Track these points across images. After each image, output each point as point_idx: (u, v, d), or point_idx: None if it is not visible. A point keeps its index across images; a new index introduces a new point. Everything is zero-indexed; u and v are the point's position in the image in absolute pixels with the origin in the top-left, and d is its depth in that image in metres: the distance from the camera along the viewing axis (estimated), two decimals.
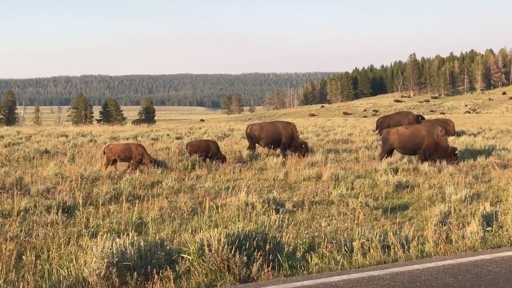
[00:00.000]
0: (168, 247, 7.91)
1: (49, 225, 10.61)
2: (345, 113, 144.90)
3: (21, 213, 11.52)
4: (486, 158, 20.64)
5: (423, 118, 33.22)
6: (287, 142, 23.08)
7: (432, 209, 11.69)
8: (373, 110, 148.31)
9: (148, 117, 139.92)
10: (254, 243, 7.73)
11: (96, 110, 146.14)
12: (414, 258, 8.45)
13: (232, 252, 7.47)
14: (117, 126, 58.51)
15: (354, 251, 8.43)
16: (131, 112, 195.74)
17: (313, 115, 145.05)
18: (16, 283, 7.18)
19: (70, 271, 7.41)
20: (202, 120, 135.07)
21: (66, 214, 11.43)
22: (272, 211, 11.56)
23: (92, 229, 10.23)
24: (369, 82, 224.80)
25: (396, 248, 8.61)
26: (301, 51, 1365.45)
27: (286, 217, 10.71)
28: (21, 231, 9.93)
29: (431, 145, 20.13)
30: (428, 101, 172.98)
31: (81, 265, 7.50)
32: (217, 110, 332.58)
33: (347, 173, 16.89)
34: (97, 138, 32.05)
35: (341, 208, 12.56)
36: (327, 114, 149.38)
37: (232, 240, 7.64)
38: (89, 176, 16.06)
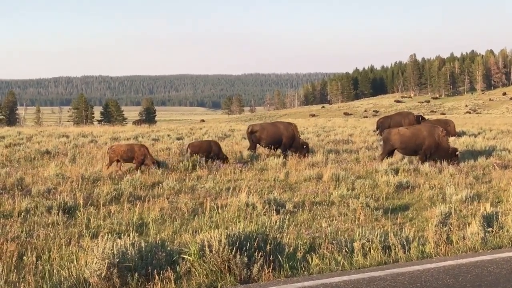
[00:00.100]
0: (168, 248, 7.91)
1: (50, 225, 10.63)
2: (346, 114, 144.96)
3: (22, 213, 11.54)
4: (486, 159, 20.64)
5: (423, 119, 33.22)
6: (288, 142, 23.07)
7: (432, 209, 11.69)
8: (373, 111, 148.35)
9: (148, 117, 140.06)
10: (255, 243, 7.73)
11: (97, 111, 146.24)
12: (414, 259, 8.45)
13: (233, 253, 7.47)
14: (118, 127, 58.53)
15: (355, 251, 8.43)
16: (132, 112, 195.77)
17: (313, 115, 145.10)
18: (17, 283, 7.18)
19: (71, 272, 7.41)
20: (203, 121, 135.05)
21: (67, 215, 11.44)
22: (273, 212, 11.57)
23: (93, 230, 10.24)
24: (370, 83, 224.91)
25: (396, 248, 8.61)
26: (302, 51, 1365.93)
27: (287, 218, 10.71)
28: (22, 232, 9.94)
29: (432, 146, 20.13)
30: (428, 101, 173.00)
31: (82, 266, 7.50)
32: (217, 110, 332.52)
33: (348, 174, 16.89)
34: (98, 138, 32.05)
35: (341, 209, 12.56)
36: (328, 114, 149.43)
37: (233, 241, 7.64)
38: (90, 177, 16.07)
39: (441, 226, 9.31)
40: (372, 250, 8.49)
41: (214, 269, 7.51)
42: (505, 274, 7.61)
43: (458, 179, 16.47)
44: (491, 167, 19.18)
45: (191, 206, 12.47)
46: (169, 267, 7.41)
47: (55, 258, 8.17)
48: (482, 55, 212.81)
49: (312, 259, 8.11)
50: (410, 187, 15.28)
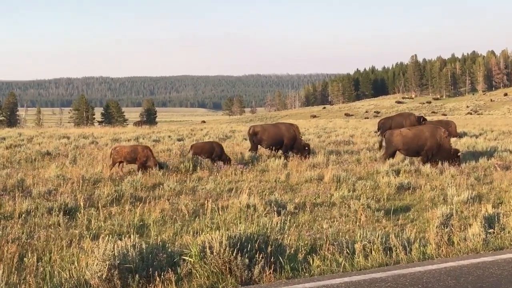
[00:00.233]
0: (169, 250, 7.91)
1: (50, 227, 10.62)
2: (347, 115, 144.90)
3: (23, 215, 11.52)
4: (488, 160, 20.63)
5: (424, 120, 33.15)
6: (290, 143, 23.04)
7: (434, 211, 11.67)
8: (374, 112, 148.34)
9: (149, 118, 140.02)
10: (256, 245, 7.72)
11: (98, 112, 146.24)
12: (416, 260, 8.44)
13: (234, 254, 7.46)
14: (119, 128, 58.47)
15: (356, 253, 8.42)
16: (133, 113, 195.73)
17: (314, 116, 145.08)
18: (18, 285, 7.18)
19: (72, 274, 7.40)
20: (204, 122, 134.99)
21: (68, 216, 11.43)
22: (274, 213, 11.56)
23: (94, 231, 10.23)
24: (371, 84, 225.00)
25: (398, 250, 8.60)
26: (303, 52, 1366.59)
27: (288, 219, 10.73)
28: (22, 233, 9.93)
29: (434, 147, 20.12)
30: (430, 102, 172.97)
31: (82, 268, 7.49)
32: (218, 111, 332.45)
33: (349, 175, 16.87)
34: (99, 139, 32.04)
35: (342, 210, 12.54)
36: (329, 115, 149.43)
37: (234, 242, 7.63)
38: (90, 178, 16.06)
39: (443, 227, 9.29)
40: (373, 252, 8.47)
41: (215, 270, 7.50)
42: (507, 275, 7.59)
43: (459, 180, 16.46)
44: (492, 168, 19.17)
45: (192, 207, 12.46)
46: (170, 269, 7.40)
47: (56, 260, 8.16)
48: (483, 56, 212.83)
49: (313, 260, 8.10)
50: (411, 188, 15.26)
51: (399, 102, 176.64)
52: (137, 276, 7.18)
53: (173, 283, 7.19)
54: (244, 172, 17.99)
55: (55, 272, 7.55)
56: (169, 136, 35.77)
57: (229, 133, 40.06)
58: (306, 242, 9.20)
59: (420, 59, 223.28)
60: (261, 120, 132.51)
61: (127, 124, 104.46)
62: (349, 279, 7.44)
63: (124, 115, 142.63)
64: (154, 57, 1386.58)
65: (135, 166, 18.47)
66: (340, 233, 10.21)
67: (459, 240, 9.26)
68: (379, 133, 34.35)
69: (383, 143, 21.89)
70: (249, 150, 23.14)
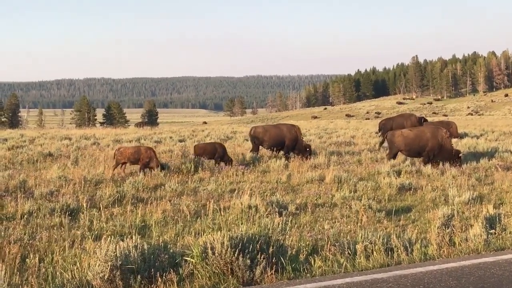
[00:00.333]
0: (171, 250, 7.93)
1: (52, 228, 10.64)
2: (348, 115, 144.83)
3: (25, 216, 11.54)
4: (489, 160, 20.62)
5: (425, 120, 33.16)
6: (291, 144, 23.05)
7: (435, 211, 11.66)
8: (375, 112, 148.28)
9: (151, 119, 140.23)
10: (258, 246, 7.74)
11: (99, 113, 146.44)
12: (417, 261, 8.45)
13: (236, 255, 7.48)
14: (120, 129, 58.54)
15: (358, 253, 8.43)
16: (134, 114, 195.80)
17: (315, 117, 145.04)
18: (20, 286, 7.20)
19: (74, 274, 7.42)
20: (205, 123, 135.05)
21: (70, 217, 11.45)
22: (275, 214, 11.58)
23: (96, 232, 10.25)
24: (372, 85, 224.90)
25: (399, 250, 8.61)
26: (304, 53, 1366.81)
27: (289, 220, 10.74)
28: (24, 234, 9.94)
29: (436, 147, 20.12)
30: (430, 103, 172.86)
31: (84, 268, 7.51)
32: (219, 112, 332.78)
33: (350, 176, 16.89)
34: (100, 141, 32.09)
35: (344, 211, 12.56)
36: (330, 116, 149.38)
37: (236, 243, 7.64)
38: (92, 179, 16.08)
39: (444, 228, 9.31)
40: (374, 252, 8.49)
41: (217, 271, 7.52)
42: (508, 276, 7.61)
43: (460, 180, 16.46)
44: (493, 168, 19.17)
45: (193, 208, 12.48)
46: (171, 270, 7.42)
47: (58, 261, 8.18)
48: (484, 57, 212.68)
49: (314, 261, 8.12)
50: (412, 189, 15.27)
51: (400, 103, 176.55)
52: (139, 276, 7.19)
53: (175, 283, 7.21)
54: (245, 173, 18.01)
55: (57, 273, 7.57)
56: (171, 137, 35.79)
57: (230, 134, 40.09)
58: (307, 242, 9.22)
59: (421, 60, 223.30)
60: (262, 121, 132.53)
61: (129, 125, 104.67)
62: (350, 279, 7.46)
63: (126, 116, 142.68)
64: (156, 58, 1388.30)
65: (137, 167, 18.50)
66: (342, 234, 10.22)
67: (461, 240, 9.28)
68: (379, 134, 34.38)
69: (386, 144, 21.88)
70: (251, 151, 23.16)
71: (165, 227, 10.97)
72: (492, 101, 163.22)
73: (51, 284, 7.25)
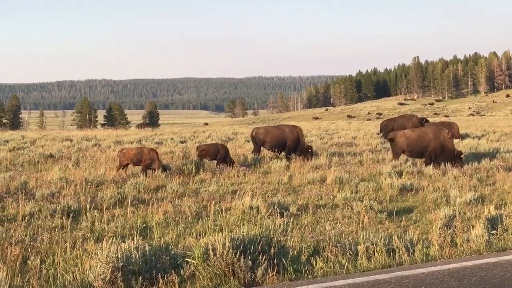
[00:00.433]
0: (172, 252, 7.92)
1: (54, 229, 10.62)
2: (349, 116, 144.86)
3: (26, 217, 11.54)
4: (490, 161, 20.61)
5: (427, 121, 33.15)
6: (293, 145, 23.04)
7: (436, 212, 11.66)
8: (377, 113, 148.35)
9: (152, 121, 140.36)
10: (259, 247, 7.73)
11: (101, 114, 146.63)
12: (419, 262, 8.44)
13: (237, 256, 7.47)
14: (121, 130, 58.55)
15: (359, 254, 8.42)
16: (135, 116, 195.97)
17: (317, 118, 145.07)
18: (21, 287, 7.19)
19: (75, 276, 7.42)
20: (206, 124, 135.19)
21: (71, 219, 11.43)
22: (277, 215, 11.56)
23: (97, 234, 10.24)
24: (373, 85, 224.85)
25: (401, 251, 8.60)
26: (305, 54, 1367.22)
27: (291, 221, 10.71)
28: (26, 236, 9.93)
29: (438, 148, 20.10)
30: (432, 104, 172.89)
31: (86, 270, 7.50)
32: (221, 113, 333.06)
33: (351, 176, 16.88)
34: (102, 142, 32.10)
35: (345, 212, 12.55)
36: (331, 117, 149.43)
37: (237, 244, 7.64)
38: (93, 180, 16.08)
39: (446, 229, 9.29)
40: (376, 253, 8.48)
41: (218, 272, 7.51)
42: (510, 276, 7.59)
43: (462, 181, 16.45)
44: (495, 169, 19.15)
45: (194, 209, 12.47)
46: (173, 271, 7.41)
47: (59, 262, 8.17)
48: (486, 57, 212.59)
49: (316, 262, 8.11)
50: (414, 190, 15.26)
51: (401, 104, 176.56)
52: (140, 278, 7.19)
53: (177, 285, 7.20)
54: (246, 174, 18.00)
55: (59, 275, 7.57)
56: (172, 138, 35.80)
57: (232, 135, 40.10)
58: (309, 243, 9.21)
59: (422, 61, 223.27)
60: (263, 122, 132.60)
61: (130, 127, 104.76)
62: (352, 280, 7.45)
63: (127, 118, 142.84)
64: (157, 59, 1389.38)
65: (138, 168, 18.50)
66: (343, 235, 10.21)
67: (462, 241, 9.26)
68: (381, 135, 34.38)
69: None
70: (252, 152, 23.15)
71: (166, 228, 10.96)
72: (493, 101, 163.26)
73: (52, 286, 7.25)
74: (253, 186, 15.74)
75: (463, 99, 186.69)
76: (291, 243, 8.87)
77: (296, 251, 8.54)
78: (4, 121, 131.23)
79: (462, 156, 20.16)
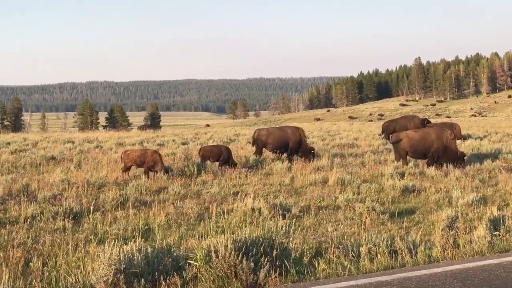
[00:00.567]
0: (175, 254, 7.91)
1: (56, 231, 10.64)
2: (351, 117, 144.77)
3: (28, 219, 11.55)
4: (492, 162, 20.58)
5: (429, 122, 33.12)
6: (295, 147, 23.03)
7: (439, 213, 11.64)
8: (378, 114, 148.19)
9: (153, 122, 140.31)
10: (261, 249, 7.72)
11: (102, 116, 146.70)
12: (421, 263, 8.43)
13: (239, 258, 7.46)
14: (123, 132, 58.58)
15: (361, 256, 8.41)
16: (137, 118, 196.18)
17: (318, 119, 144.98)
18: None
19: (78, 278, 7.42)
20: (208, 125, 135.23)
21: (73, 221, 11.44)
22: (279, 217, 11.55)
23: (99, 236, 10.24)
24: (375, 86, 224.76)
25: (403, 253, 8.59)
26: (306, 55, 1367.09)
27: (293, 222, 10.70)
28: (28, 238, 9.94)
29: (440, 149, 20.07)
30: (434, 104, 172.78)
31: (88, 272, 7.50)
32: (222, 115, 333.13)
33: (353, 178, 16.87)
34: (103, 144, 32.09)
35: (347, 213, 12.53)
36: (333, 118, 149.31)
37: (239, 246, 7.63)
38: (95, 182, 16.09)
39: (448, 230, 9.28)
40: (378, 255, 8.47)
41: (221, 274, 7.50)
42: None
43: (464, 182, 16.43)
44: (497, 170, 19.12)
45: (196, 211, 12.47)
46: (175, 273, 7.41)
47: (62, 264, 8.17)
48: (487, 58, 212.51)
49: (318, 263, 8.10)
50: (416, 191, 15.24)
51: (403, 105, 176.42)
52: (142, 280, 7.18)
53: (179, 287, 7.20)
54: (248, 175, 18.00)
55: (61, 277, 7.56)
56: (173, 140, 35.78)
57: (233, 137, 40.09)
58: (311, 245, 9.21)
59: (423, 61, 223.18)
60: (264, 124, 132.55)
61: (132, 128, 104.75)
62: (354, 282, 7.44)
63: (128, 119, 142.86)
64: (158, 61, 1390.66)
65: (139, 170, 18.52)
66: (345, 236, 10.20)
67: (465, 242, 9.25)
68: (383, 136, 34.34)
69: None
70: (254, 154, 23.15)
71: (168, 230, 10.96)
72: (495, 102, 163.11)
73: None
74: (255, 188, 15.74)
75: (465, 100, 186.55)
76: (293, 245, 8.86)
77: (298, 252, 8.54)
78: (6, 123, 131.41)
79: (465, 157, 20.13)
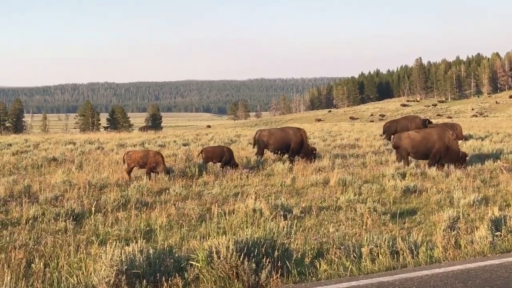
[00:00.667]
0: (176, 255, 7.92)
1: (58, 233, 10.65)
2: (352, 118, 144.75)
3: (30, 221, 11.56)
4: (494, 162, 20.58)
5: (430, 122, 33.11)
6: (297, 148, 23.02)
7: (440, 214, 11.65)
8: (379, 115, 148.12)
9: (154, 123, 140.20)
10: (263, 249, 7.72)
11: (103, 117, 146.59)
12: (423, 264, 8.43)
13: (241, 259, 7.47)
14: (124, 133, 58.59)
15: (363, 257, 8.41)
16: (138, 119, 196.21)
17: (319, 120, 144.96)
18: None
19: (79, 279, 7.42)
20: (209, 126, 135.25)
21: (75, 222, 11.45)
22: (280, 217, 11.55)
23: (101, 237, 10.25)
24: (376, 87, 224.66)
25: (405, 253, 8.59)
26: (307, 56, 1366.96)
27: (294, 223, 10.72)
28: (30, 239, 9.96)
29: (442, 149, 20.05)
30: (435, 105, 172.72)
31: (90, 273, 7.51)
32: (223, 116, 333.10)
33: (355, 178, 16.86)
34: (105, 145, 32.11)
35: (349, 214, 12.53)
36: (334, 119, 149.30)
37: (241, 247, 7.63)
38: (97, 183, 16.10)
39: (449, 231, 9.28)
40: (380, 255, 8.47)
41: (222, 275, 7.51)
42: None
43: (465, 182, 16.42)
44: (498, 170, 19.11)
45: (198, 212, 12.47)
46: (177, 274, 7.42)
47: (63, 266, 8.17)
48: (488, 58, 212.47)
49: (320, 264, 8.10)
50: (417, 191, 15.24)
51: (404, 105, 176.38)
52: (144, 281, 7.19)
53: None
54: (250, 176, 18.00)
55: (63, 278, 7.57)
56: (175, 141, 35.79)
57: (235, 138, 40.09)
58: (312, 246, 9.21)
59: (424, 62, 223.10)
60: (266, 124, 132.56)
61: (133, 130, 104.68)
62: (356, 283, 7.44)
63: (130, 121, 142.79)
64: (159, 62, 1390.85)
65: (141, 171, 18.53)
66: (347, 237, 10.20)
67: (466, 243, 9.25)
68: (384, 136, 34.34)
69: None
70: (256, 154, 23.16)
71: (170, 231, 10.97)
72: (496, 102, 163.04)
73: None
74: (256, 189, 15.74)
75: (466, 100, 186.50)
76: (295, 246, 8.87)
77: (300, 253, 8.54)
78: (7, 124, 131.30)
79: (467, 157, 20.12)
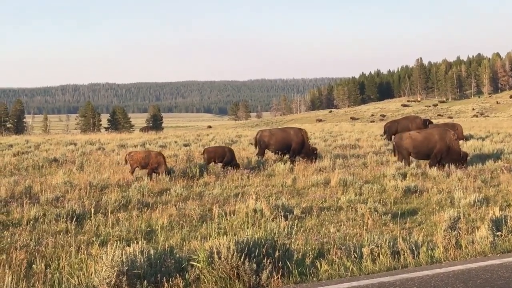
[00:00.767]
0: (177, 255, 7.92)
1: (59, 233, 10.65)
2: (352, 118, 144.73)
3: (31, 222, 11.57)
4: (494, 162, 20.58)
5: (430, 123, 33.10)
6: (298, 148, 23.03)
7: (441, 214, 11.65)
8: (380, 115, 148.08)
9: (155, 124, 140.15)
10: (264, 250, 7.73)
11: (104, 118, 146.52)
12: (424, 264, 8.43)
13: (242, 259, 7.47)
14: (125, 134, 58.60)
15: (364, 257, 8.42)
16: (139, 119, 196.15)
17: (320, 120, 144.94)
18: None
19: (80, 280, 7.43)
20: (210, 127, 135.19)
21: (76, 223, 11.46)
22: (281, 218, 11.56)
23: (102, 238, 10.26)
24: (376, 87, 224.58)
25: (405, 254, 8.59)
26: (308, 56, 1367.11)
27: (295, 224, 10.72)
28: (31, 240, 9.97)
29: (443, 149, 20.05)
30: (435, 105, 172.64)
31: (91, 274, 7.51)
32: (224, 116, 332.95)
33: (355, 179, 16.87)
34: (106, 146, 32.12)
35: (349, 214, 12.53)
36: (334, 119, 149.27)
37: (242, 248, 7.64)
38: (97, 184, 16.11)
39: (450, 231, 9.28)
40: (381, 255, 8.47)
41: (223, 276, 7.51)
42: None
43: (466, 183, 16.42)
44: (499, 170, 19.11)
45: (199, 212, 12.48)
46: (178, 275, 7.42)
47: (64, 266, 8.18)
48: (489, 58, 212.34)
49: (321, 265, 8.10)
50: (418, 192, 15.24)
51: (405, 105, 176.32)
52: (145, 282, 7.19)
53: None
54: (250, 176, 18.01)
55: (64, 279, 7.58)
56: (176, 142, 35.81)
57: (235, 138, 40.10)
58: (313, 246, 9.21)
59: (425, 62, 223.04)
60: (267, 125, 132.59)
61: (134, 130, 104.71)
62: (357, 283, 7.44)
63: (131, 121, 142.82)
64: (160, 62, 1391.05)
65: (142, 172, 18.54)
66: (348, 237, 10.21)
67: (467, 243, 9.25)
68: (385, 136, 34.34)
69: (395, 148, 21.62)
70: (257, 155, 23.16)
71: (171, 231, 10.98)
72: (497, 102, 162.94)
73: None
74: (257, 189, 15.75)
75: (466, 100, 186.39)
76: (296, 246, 8.87)
77: (300, 254, 8.54)
78: (8, 125, 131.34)
79: (468, 157, 20.12)
